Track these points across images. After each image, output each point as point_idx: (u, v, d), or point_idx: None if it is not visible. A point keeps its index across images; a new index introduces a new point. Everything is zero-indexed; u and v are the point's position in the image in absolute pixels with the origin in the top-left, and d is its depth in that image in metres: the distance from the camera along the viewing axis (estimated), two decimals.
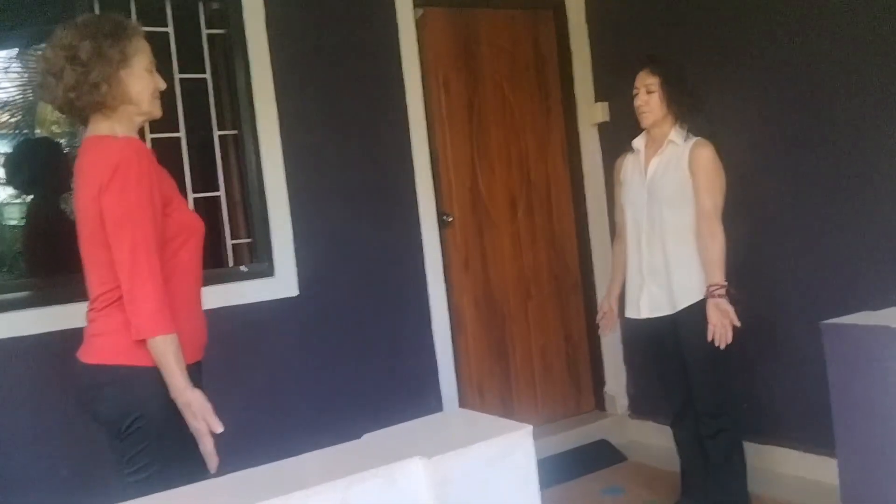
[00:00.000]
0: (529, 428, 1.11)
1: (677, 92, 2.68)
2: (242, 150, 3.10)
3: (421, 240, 3.44)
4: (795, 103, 3.05)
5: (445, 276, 3.52)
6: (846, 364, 1.94)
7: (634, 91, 2.74)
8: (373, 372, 3.24)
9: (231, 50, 3.08)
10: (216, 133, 3.07)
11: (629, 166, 2.87)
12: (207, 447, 1.64)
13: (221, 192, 3.06)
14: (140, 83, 1.74)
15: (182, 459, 1.66)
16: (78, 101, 1.69)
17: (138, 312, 1.62)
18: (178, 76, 2.94)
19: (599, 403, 4.03)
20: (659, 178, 2.71)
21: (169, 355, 1.62)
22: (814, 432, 2.98)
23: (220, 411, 1.66)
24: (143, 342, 1.63)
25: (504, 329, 3.80)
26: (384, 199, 3.36)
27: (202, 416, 1.62)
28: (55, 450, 2.55)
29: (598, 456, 3.63)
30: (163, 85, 1.82)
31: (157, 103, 1.82)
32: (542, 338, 3.91)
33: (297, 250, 3.10)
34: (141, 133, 1.88)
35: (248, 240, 3.13)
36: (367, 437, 1.17)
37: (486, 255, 3.76)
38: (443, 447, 1.05)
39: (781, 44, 3.07)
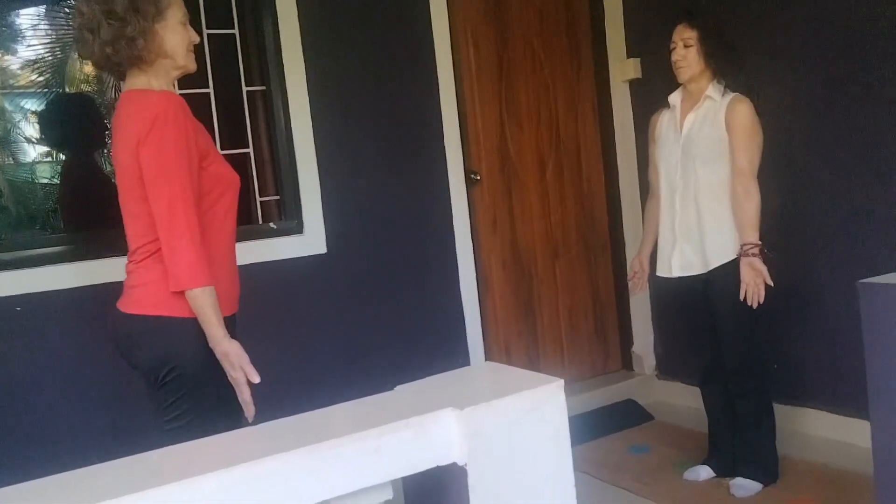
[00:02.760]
0: (561, 381, 1.11)
1: (715, 46, 2.61)
2: (271, 107, 3.09)
3: (449, 198, 3.42)
4: (832, 60, 2.96)
5: (473, 236, 3.51)
6: (882, 324, 1.89)
7: (672, 45, 2.67)
8: (400, 330, 3.26)
9: (259, 5, 3.05)
10: (244, 89, 3.06)
11: (664, 123, 2.81)
12: (245, 396, 1.68)
13: (250, 149, 3.07)
14: (175, 37, 1.76)
15: (218, 408, 1.70)
16: (115, 55, 1.70)
17: (177, 264, 1.64)
18: (206, 32, 2.92)
19: (627, 363, 4.03)
20: (695, 135, 2.66)
21: (207, 307, 1.65)
22: (846, 394, 2.96)
23: (251, 363, 1.69)
24: (181, 293, 1.66)
25: (531, 289, 3.79)
26: (412, 156, 3.34)
27: (240, 366, 1.66)
28: (91, 400, 2.61)
29: (625, 415, 3.64)
30: (196, 39, 1.83)
31: (192, 57, 1.83)
32: (570, 298, 3.90)
33: (325, 208, 3.11)
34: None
35: (277, 197, 3.14)
36: (399, 388, 1.18)
37: (514, 215, 3.74)
38: (475, 399, 1.05)
39: None
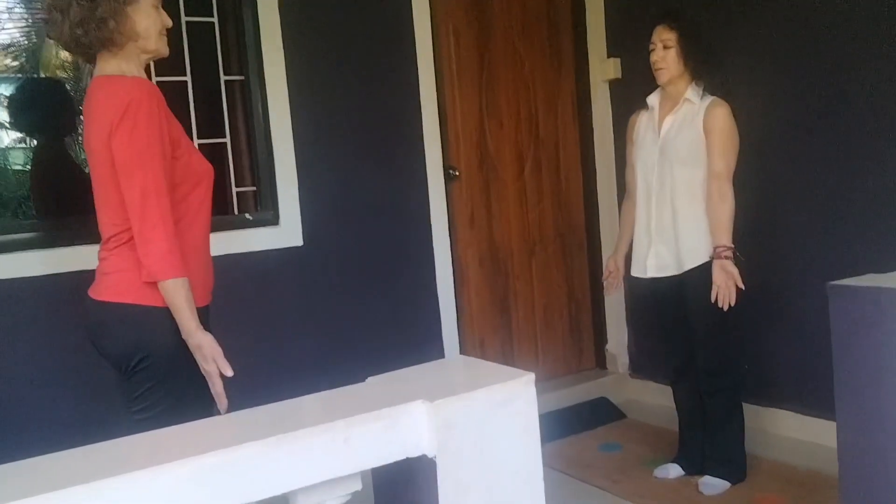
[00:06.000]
0: (531, 375, 1.11)
1: (695, 48, 2.63)
2: (249, 97, 3.06)
3: (427, 193, 3.42)
4: (808, 65, 3.00)
5: (450, 231, 3.51)
6: (851, 326, 1.93)
7: (651, 46, 2.69)
8: (375, 324, 3.25)
9: None
10: (223, 78, 3.03)
11: (643, 124, 2.83)
12: (217, 388, 1.66)
13: (227, 139, 3.04)
14: (147, 19, 1.72)
15: (189, 399, 1.68)
16: (84, 37, 1.67)
17: (149, 255, 1.62)
18: (185, 19, 2.89)
19: (600, 361, 4.06)
20: (672, 137, 2.68)
21: (180, 298, 1.63)
22: (813, 395, 3.01)
23: (225, 356, 1.67)
24: (154, 283, 1.64)
25: (507, 285, 3.80)
26: (391, 150, 3.33)
27: (213, 358, 1.64)
28: (57, 389, 2.57)
29: (598, 413, 3.67)
30: (169, 22, 1.79)
31: (164, 41, 1.79)
32: (545, 295, 3.91)
33: (302, 200, 3.09)
34: (147, 74, 1.86)
35: (253, 188, 3.12)
36: (370, 380, 1.17)
37: (492, 211, 3.74)
38: (445, 391, 1.05)
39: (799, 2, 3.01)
